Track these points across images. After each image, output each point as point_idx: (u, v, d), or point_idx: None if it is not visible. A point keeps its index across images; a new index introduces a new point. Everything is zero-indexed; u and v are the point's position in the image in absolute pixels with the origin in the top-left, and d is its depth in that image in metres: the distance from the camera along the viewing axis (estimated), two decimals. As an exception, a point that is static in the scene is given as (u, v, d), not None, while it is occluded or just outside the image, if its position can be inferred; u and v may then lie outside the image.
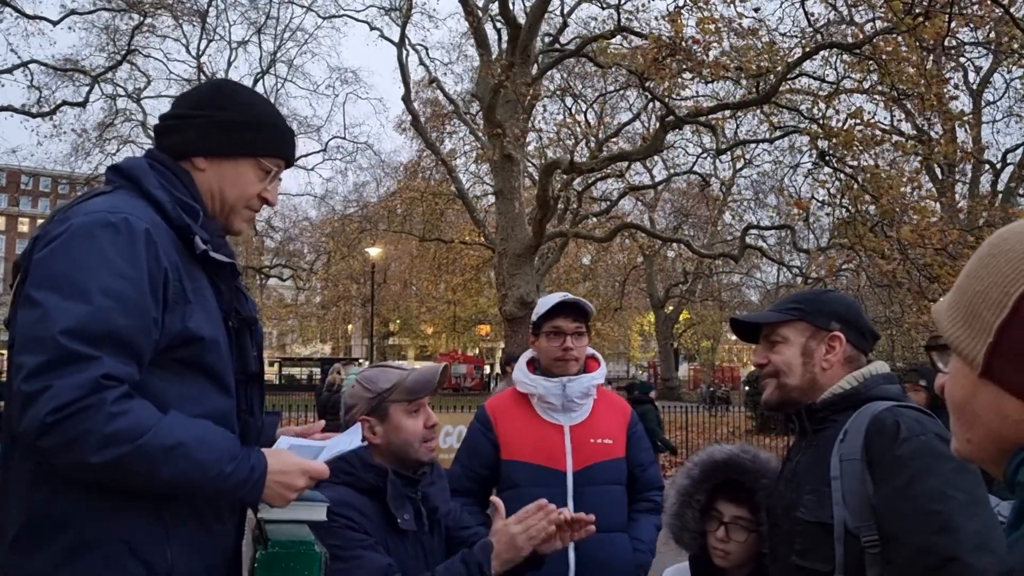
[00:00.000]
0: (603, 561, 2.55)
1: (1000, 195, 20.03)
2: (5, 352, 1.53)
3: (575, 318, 2.68)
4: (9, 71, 17.34)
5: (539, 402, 2.68)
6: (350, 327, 48.29)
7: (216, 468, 1.40)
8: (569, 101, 20.46)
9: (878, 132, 12.44)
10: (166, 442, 1.35)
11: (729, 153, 19.38)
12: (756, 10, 11.68)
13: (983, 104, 20.34)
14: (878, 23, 11.48)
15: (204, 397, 1.51)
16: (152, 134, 1.75)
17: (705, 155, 20.53)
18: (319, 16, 22.71)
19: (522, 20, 14.45)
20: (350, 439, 1.74)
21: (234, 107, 1.62)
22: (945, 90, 11.52)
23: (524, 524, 1.90)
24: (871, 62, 11.21)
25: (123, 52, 18.49)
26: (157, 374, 1.45)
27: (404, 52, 17.56)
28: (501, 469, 2.66)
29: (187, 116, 1.61)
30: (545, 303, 2.73)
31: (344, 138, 31.93)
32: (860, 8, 12.23)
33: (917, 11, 9.13)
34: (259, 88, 23.14)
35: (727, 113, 14.09)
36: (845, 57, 12.82)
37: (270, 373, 38.45)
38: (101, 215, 1.42)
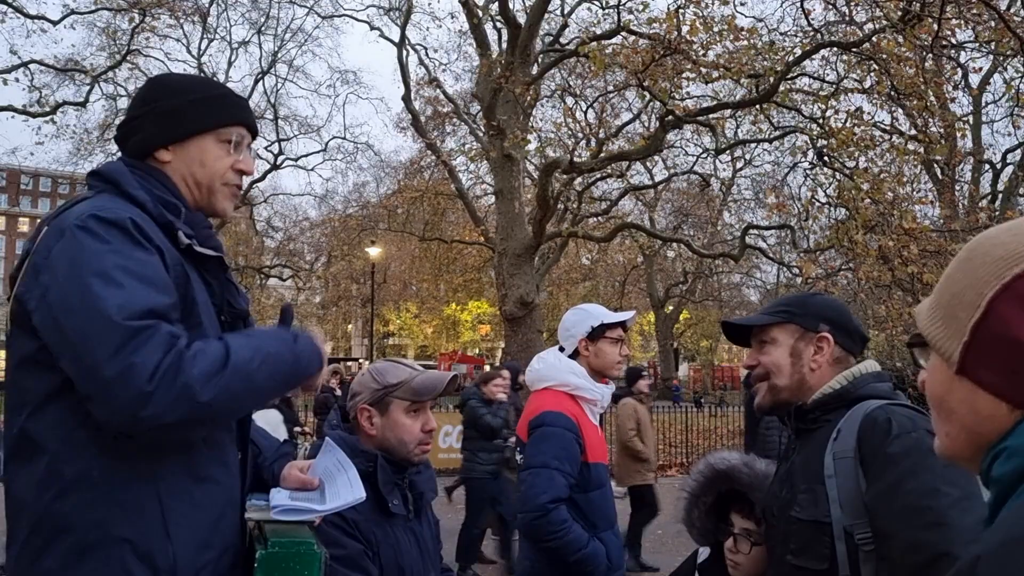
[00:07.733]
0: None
1: (1000, 195, 20.01)
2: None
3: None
4: (9, 71, 17.31)
5: (593, 407, 2.85)
6: (350, 327, 48.30)
7: (289, 351, 1.52)
8: (569, 101, 20.44)
9: (876, 132, 12.43)
10: (245, 354, 1.44)
11: (729, 153, 19.37)
12: (742, 3, 11.66)
13: (983, 104, 20.34)
14: (877, 23, 11.46)
15: None
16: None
17: (705, 155, 20.53)
18: (319, 16, 22.73)
19: (522, 20, 14.46)
20: (342, 469, 1.71)
21: (174, 92, 1.66)
22: (944, 89, 11.50)
23: None
24: (871, 62, 11.20)
25: (123, 52, 18.49)
26: None
27: (404, 52, 17.58)
28: (583, 472, 2.75)
29: (136, 117, 1.65)
30: (610, 314, 2.87)
31: (344, 138, 31.85)
32: (859, 7, 12.22)
33: (910, 13, 9.13)
34: (259, 88, 23.18)
35: (727, 113, 14.08)
36: (845, 57, 12.82)
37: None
38: (91, 215, 1.44)
